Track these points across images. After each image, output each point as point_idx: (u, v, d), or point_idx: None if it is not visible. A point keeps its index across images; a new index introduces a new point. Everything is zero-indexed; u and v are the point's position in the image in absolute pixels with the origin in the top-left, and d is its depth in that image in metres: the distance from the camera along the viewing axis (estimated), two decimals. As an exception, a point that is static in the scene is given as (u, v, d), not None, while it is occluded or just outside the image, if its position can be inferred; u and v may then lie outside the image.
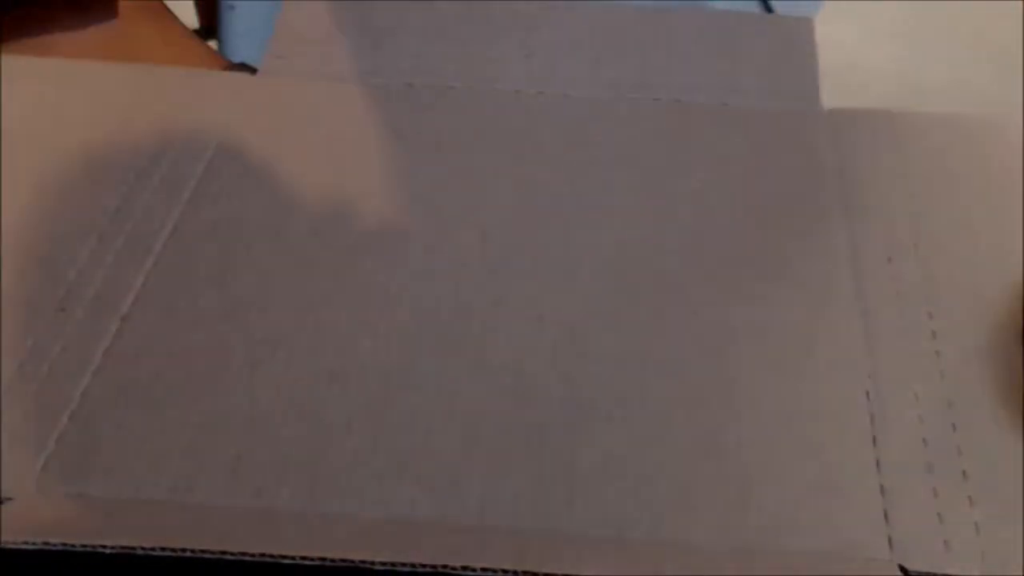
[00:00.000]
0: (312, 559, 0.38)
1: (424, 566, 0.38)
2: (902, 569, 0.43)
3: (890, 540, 0.44)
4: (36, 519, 0.44)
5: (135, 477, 0.46)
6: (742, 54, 0.70)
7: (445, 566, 0.38)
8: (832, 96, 0.68)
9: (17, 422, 0.48)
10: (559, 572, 0.40)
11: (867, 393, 0.50)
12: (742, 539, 0.44)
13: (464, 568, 0.38)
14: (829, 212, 0.60)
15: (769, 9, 0.60)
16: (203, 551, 0.39)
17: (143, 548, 0.38)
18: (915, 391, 0.50)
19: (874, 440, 0.48)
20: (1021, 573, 0.43)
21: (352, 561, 0.38)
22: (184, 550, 0.38)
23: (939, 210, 0.60)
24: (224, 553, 0.38)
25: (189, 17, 0.97)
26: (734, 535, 0.44)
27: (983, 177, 0.63)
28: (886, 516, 0.45)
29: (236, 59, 0.78)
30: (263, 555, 0.38)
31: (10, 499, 0.45)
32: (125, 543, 0.38)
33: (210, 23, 1.05)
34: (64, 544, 0.39)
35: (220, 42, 0.89)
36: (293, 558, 0.38)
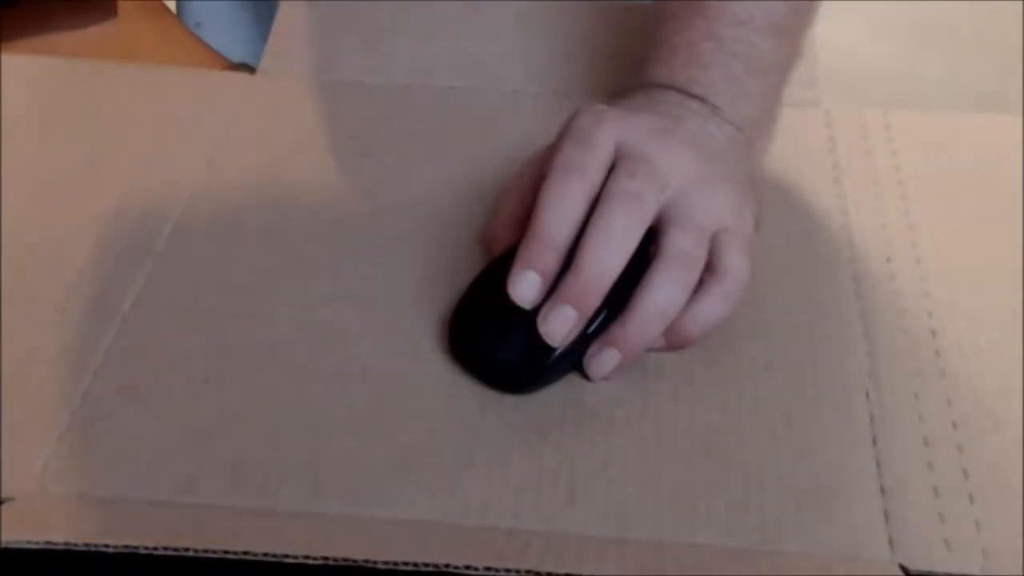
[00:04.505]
0: (315, 559, 0.38)
1: (427, 565, 0.38)
2: (903, 568, 0.43)
3: (890, 539, 0.44)
4: (38, 518, 0.44)
5: (136, 477, 0.46)
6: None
7: (448, 565, 0.38)
8: (832, 96, 0.68)
9: (18, 422, 0.48)
10: (560, 571, 0.40)
11: (867, 393, 0.50)
12: (742, 539, 0.44)
13: (467, 567, 0.38)
14: (828, 212, 0.60)
15: None
16: (206, 551, 0.39)
17: (146, 548, 0.38)
18: (915, 390, 0.50)
19: (874, 440, 0.48)
20: (1022, 572, 0.43)
21: (355, 561, 0.38)
22: (187, 550, 0.38)
23: (938, 210, 0.60)
24: (227, 553, 0.38)
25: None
26: (734, 535, 0.44)
27: (983, 177, 0.63)
28: (886, 515, 0.45)
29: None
30: (266, 555, 0.38)
31: (11, 499, 0.45)
32: (128, 543, 0.38)
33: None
34: (67, 543, 0.38)
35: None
36: (296, 557, 0.38)
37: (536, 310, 0.48)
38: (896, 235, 0.58)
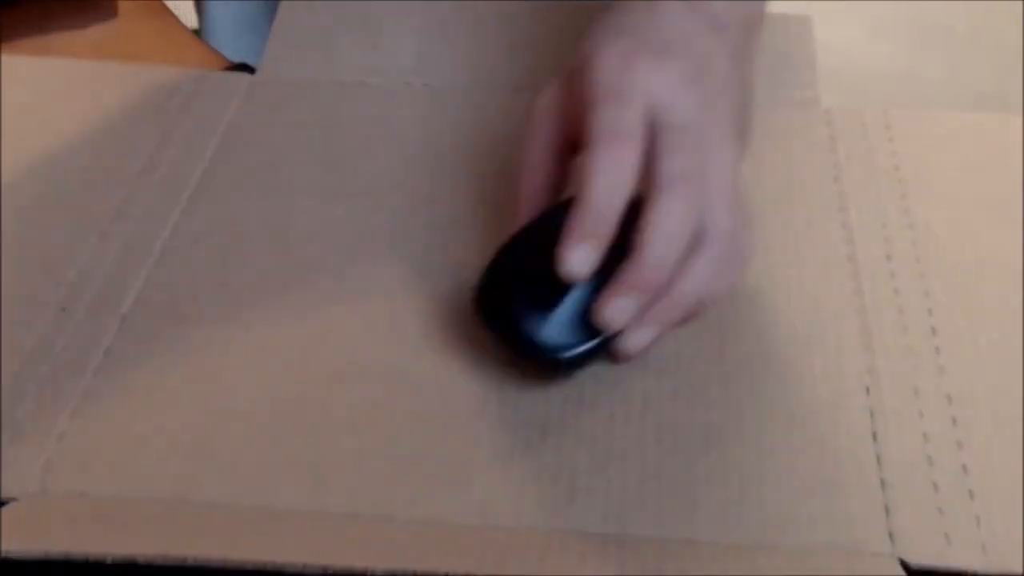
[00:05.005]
0: (314, 568, 0.38)
1: (425, 575, 0.38)
2: (903, 563, 0.43)
3: (891, 534, 0.44)
4: (38, 519, 0.44)
5: (137, 477, 0.46)
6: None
7: (447, 575, 0.38)
8: (832, 96, 0.68)
9: (18, 422, 0.48)
10: (561, 572, 0.40)
11: (867, 389, 0.50)
12: (743, 535, 0.44)
13: None
14: (827, 211, 0.60)
15: None
16: (206, 560, 0.38)
17: (144, 557, 0.38)
18: (915, 386, 0.50)
19: (874, 435, 0.48)
20: (1022, 566, 0.43)
21: (354, 569, 0.38)
22: (185, 560, 0.38)
23: (938, 209, 0.60)
24: (226, 562, 0.38)
25: (189, 17, 0.97)
26: (735, 531, 0.44)
27: (983, 176, 0.63)
28: (887, 510, 0.45)
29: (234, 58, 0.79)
30: (265, 564, 0.38)
31: (12, 499, 0.45)
32: (127, 552, 0.38)
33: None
34: (66, 553, 0.38)
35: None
36: (296, 566, 0.38)
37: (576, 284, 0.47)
38: (896, 234, 0.58)
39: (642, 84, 0.48)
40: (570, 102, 0.51)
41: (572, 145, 0.51)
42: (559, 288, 0.47)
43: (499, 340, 0.50)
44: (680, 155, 0.47)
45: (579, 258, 0.46)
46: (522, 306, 0.49)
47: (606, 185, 0.46)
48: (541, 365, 0.50)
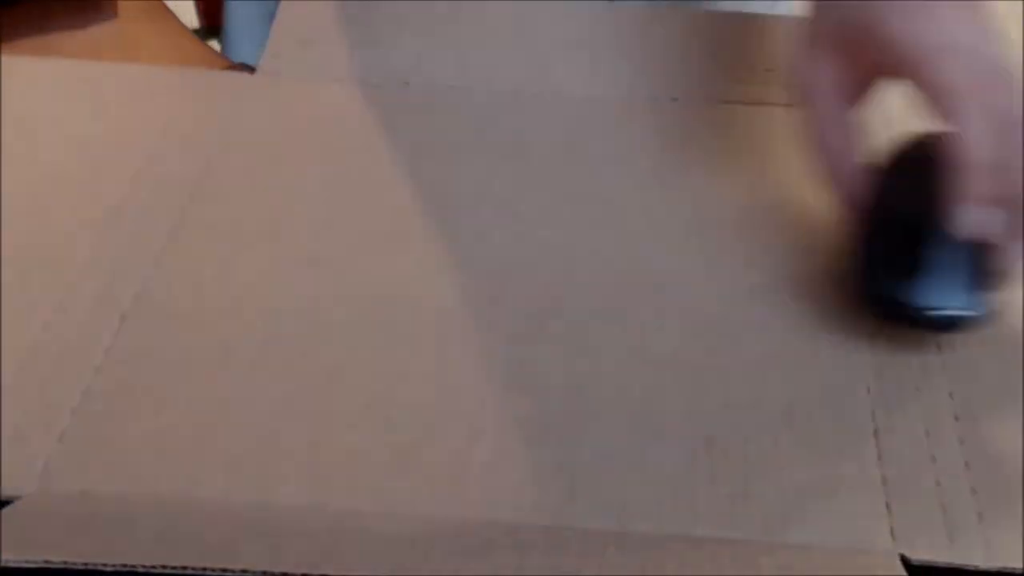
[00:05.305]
0: None
1: None
2: (904, 560, 0.43)
3: (892, 531, 0.44)
4: (39, 519, 0.44)
5: (137, 474, 0.46)
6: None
7: None
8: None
9: (18, 422, 0.48)
10: (561, 572, 0.40)
11: (868, 388, 0.50)
12: (744, 532, 0.44)
13: None
14: (828, 210, 0.59)
15: None
16: (204, 569, 0.38)
17: (144, 566, 0.38)
18: (916, 383, 0.50)
19: (875, 432, 0.48)
20: (1023, 563, 0.43)
21: None
22: (185, 568, 0.38)
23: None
24: (225, 571, 0.38)
25: (189, 17, 0.97)
26: (736, 528, 0.44)
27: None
28: (888, 507, 0.45)
29: (238, 58, 0.79)
30: (265, 573, 0.38)
31: (12, 499, 0.45)
32: (126, 560, 0.38)
33: (211, 23, 1.06)
34: (65, 562, 0.38)
35: (224, 41, 0.89)
36: (295, 575, 0.38)
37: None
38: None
39: (944, 33, 0.49)
40: (851, 67, 0.52)
41: (855, 114, 0.52)
42: (932, 251, 0.50)
43: (888, 314, 0.52)
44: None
45: (981, 217, 0.47)
46: (901, 274, 0.51)
47: (982, 141, 0.47)
48: (935, 329, 0.51)
